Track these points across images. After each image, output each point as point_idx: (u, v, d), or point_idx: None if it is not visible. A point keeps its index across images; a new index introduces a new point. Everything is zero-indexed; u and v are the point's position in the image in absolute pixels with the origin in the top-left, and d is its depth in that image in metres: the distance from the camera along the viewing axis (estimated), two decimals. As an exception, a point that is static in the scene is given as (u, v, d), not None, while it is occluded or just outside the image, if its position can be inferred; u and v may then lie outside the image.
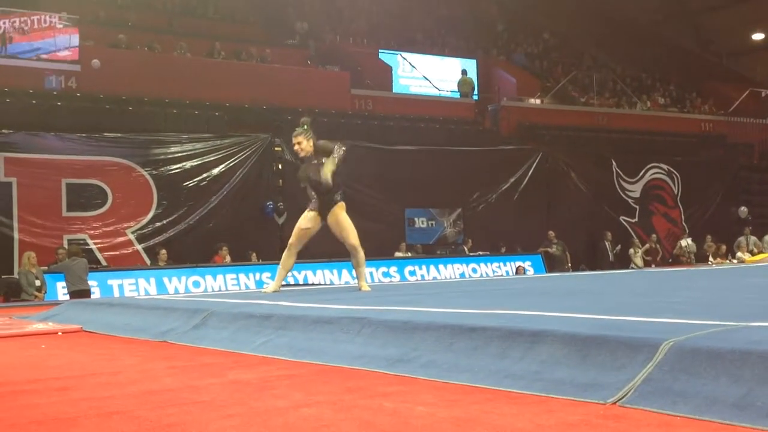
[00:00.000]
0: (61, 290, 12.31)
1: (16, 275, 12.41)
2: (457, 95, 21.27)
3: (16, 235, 13.14)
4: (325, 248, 15.45)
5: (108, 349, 4.62)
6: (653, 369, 2.51)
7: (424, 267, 15.96)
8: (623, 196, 20.21)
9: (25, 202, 13.30)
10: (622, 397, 2.47)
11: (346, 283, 14.37)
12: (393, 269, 15.47)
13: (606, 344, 2.73)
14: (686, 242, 19.73)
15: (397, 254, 16.23)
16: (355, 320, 3.87)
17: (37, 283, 12.04)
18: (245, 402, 2.76)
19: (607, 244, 18.82)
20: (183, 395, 2.95)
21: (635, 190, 20.36)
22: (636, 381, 2.50)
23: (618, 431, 2.16)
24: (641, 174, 20.52)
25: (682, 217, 21.04)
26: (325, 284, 14.15)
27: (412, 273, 15.66)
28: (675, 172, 21.02)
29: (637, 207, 20.32)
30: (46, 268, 12.37)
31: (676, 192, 21.03)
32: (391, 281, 14.60)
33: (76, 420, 2.53)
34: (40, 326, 6.00)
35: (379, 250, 16.15)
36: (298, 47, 20.76)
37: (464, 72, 21.74)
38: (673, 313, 3.46)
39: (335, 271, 14.86)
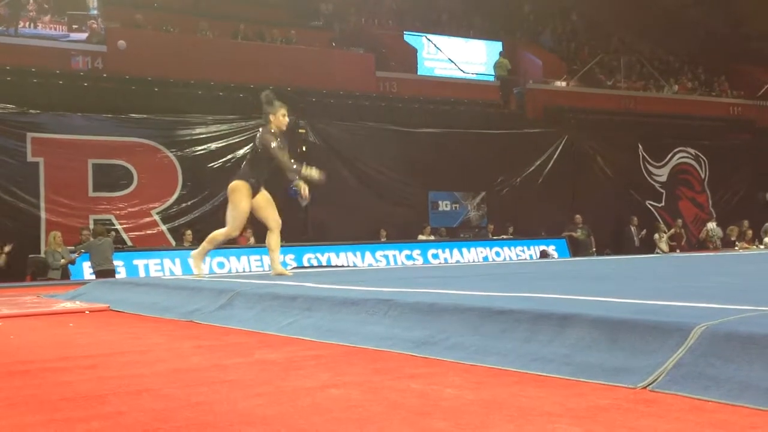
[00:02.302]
0: (87, 269, 12.46)
1: (42, 254, 12.57)
2: (482, 78, 21.11)
3: (43, 215, 13.29)
4: (348, 232, 15.58)
5: (135, 327, 4.65)
6: (685, 353, 2.47)
7: (447, 250, 15.94)
8: (650, 180, 20.05)
9: (52, 182, 13.43)
10: (653, 382, 2.44)
11: (370, 265, 14.39)
12: (416, 252, 15.47)
13: (636, 328, 2.69)
14: (712, 225, 19.55)
15: (421, 237, 16.21)
16: (382, 302, 3.86)
17: (63, 262, 12.20)
18: (272, 381, 2.76)
19: (632, 228, 18.69)
20: (210, 374, 2.96)
21: (662, 174, 20.18)
22: (667, 365, 2.47)
23: (649, 415, 2.14)
24: (668, 158, 20.33)
25: (710, 201, 20.84)
26: (348, 266, 14.18)
27: (435, 256, 15.64)
28: (702, 157, 20.80)
29: (664, 191, 20.14)
30: (73, 248, 12.50)
31: (703, 177, 20.82)
32: (414, 264, 14.60)
33: (105, 397, 2.55)
34: (68, 305, 6.06)
35: (402, 232, 16.16)
36: (323, 29, 20.68)
37: (501, 54, 21.57)
38: (704, 298, 3.41)
39: (358, 254, 14.89)
